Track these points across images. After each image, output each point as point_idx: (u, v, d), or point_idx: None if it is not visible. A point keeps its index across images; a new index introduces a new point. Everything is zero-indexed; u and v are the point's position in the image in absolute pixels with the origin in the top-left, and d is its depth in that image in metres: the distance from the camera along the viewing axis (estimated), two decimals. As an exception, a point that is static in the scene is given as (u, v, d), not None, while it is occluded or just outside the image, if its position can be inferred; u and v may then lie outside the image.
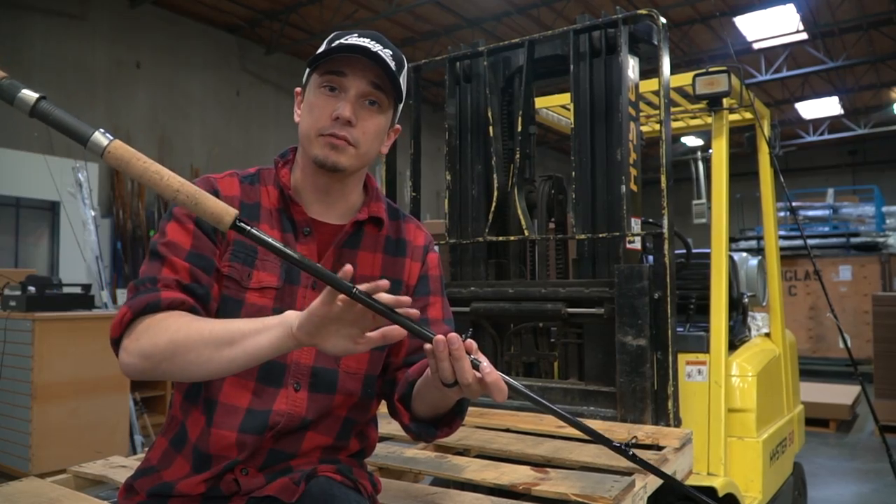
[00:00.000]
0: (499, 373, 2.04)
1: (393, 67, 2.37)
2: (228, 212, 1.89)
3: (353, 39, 2.38)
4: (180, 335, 2.10)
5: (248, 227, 1.91)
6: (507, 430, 4.05)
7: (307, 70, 2.47)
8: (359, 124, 2.36)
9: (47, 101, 1.80)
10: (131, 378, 2.26)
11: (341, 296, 1.89)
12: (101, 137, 1.83)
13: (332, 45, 2.39)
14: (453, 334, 2.02)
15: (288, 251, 1.93)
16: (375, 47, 2.36)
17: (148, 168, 1.84)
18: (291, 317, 2.01)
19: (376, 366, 2.57)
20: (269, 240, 1.92)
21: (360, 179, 2.58)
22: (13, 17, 15.15)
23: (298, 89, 2.55)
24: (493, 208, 4.87)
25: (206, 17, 19.45)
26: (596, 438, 2.21)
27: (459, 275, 5.05)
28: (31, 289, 8.12)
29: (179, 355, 2.09)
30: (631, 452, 2.28)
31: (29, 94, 1.79)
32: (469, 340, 2.06)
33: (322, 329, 1.96)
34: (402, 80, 2.47)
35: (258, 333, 2.04)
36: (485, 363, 2.03)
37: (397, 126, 2.61)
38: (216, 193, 2.41)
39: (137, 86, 17.57)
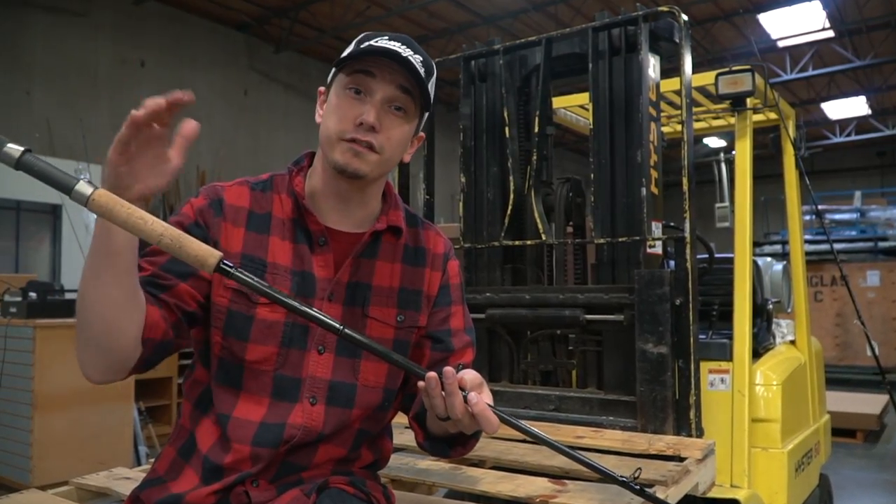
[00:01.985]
0: (487, 404, 2.08)
1: (422, 74, 2.37)
2: (213, 254, 1.92)
3: (384, 42, 2.37)
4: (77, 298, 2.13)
5: (232, 270, 1.94)
6: (524, 441, 4.04)
7: (333, 70, 2.46)
8: (383, 130, 2.35)
9: (31, 153, 1.85)
10: (94, 380, 2.25)
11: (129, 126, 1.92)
12: (85, 186, 1.87)
13: (361, 45, 2.39)
14: (448, 368, 2.06)
15: (275, 293, 1.98)
16: (406, 52, 2.35)
17: (132, 214, 1.87)
18: None
19: (395, 379, 2.58)
20: (254, 281, 1.96)
21: (380, 187, 2.57)
22: (13, 15, 15.13)
23: (322, 88, 2.53)
24: (509, 212, 4.88)
25: (214, 15, 19.42)
26: (599, 472, 2.24)
27: (475, 280, 5.06)
28: (32, 295, 8.14)
29: (79, 311, 2.11)
30: (637, 486, 2.28)
31: (14, 148, 1.84)
32: (466, 374, 2.11)
33: (127, 171, 1.97)
34: (431, 87, 2.47)
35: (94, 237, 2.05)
36: (472, 395, 2.06)
37: (421, 134, 2.61)
38: (221, 201, 2.44)
39: (142, 85, 17.45)
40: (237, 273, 1.93)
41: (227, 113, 19.64)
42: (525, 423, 2.13)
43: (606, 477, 2.21)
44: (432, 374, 2.06)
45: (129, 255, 2.06)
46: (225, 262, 1.92)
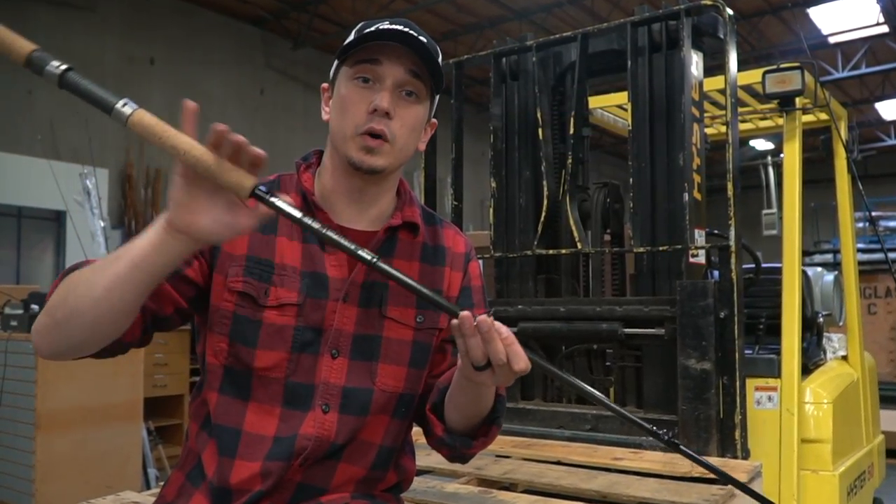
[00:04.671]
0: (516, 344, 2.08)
1: (431, 52, 2.38)
2: (248, 177, 1.92)
3: (385, 26, 2.38)
4: (75, 275, 2.10)
5: (267, 196, 1.93)
6: (558, 463, 4.05)
7: (335, 63, 2.48)
8: (397, 116, 2.36)
9: (75, 71, 1.94)
10: (42, 355, 2.20)
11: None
12: (126, 105, 1.92)
13: (363, 33, 2.39)
14: (482, 317, 2.02)
15: (308, 221, 1.96)
16: (411, 33, 2.37)
17: (168, 132, 1.93)
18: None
19: (415, 384, 2.55)
20: (288, 209, 1.95)
21: (395, 181, 2.58)
22: (14, 8, 15.06)
23: (325, 85, 2.55)
24: (542, 219, 4.88)
25: (228, 9, 19.44)
26: (631, 422, 2.24)
27: (506, 291, 5.06)
28: (35, 307, 8.08)
29: (71, 293, 2.04)
30: (669, 439, 2.27)
31: (57, 65, 1.94)
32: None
33: (193, 196, 1.92)
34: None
35: (140, 239, 1.99)
36: (503, 327, 2.05)
37: (433, 121, 2.62)
38: None
39: (151, 84, 17.55)
40: (271, 200, 1.93)
41: (242, 113, 19.64)
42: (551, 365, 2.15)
43: (638, 427, 2.21)
44: (466, 313, 2.03)
45: (160, 278, 2.05)
46: (260, 186, 1.93)
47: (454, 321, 2.05)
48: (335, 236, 1.99)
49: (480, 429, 2.47)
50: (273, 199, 1.94)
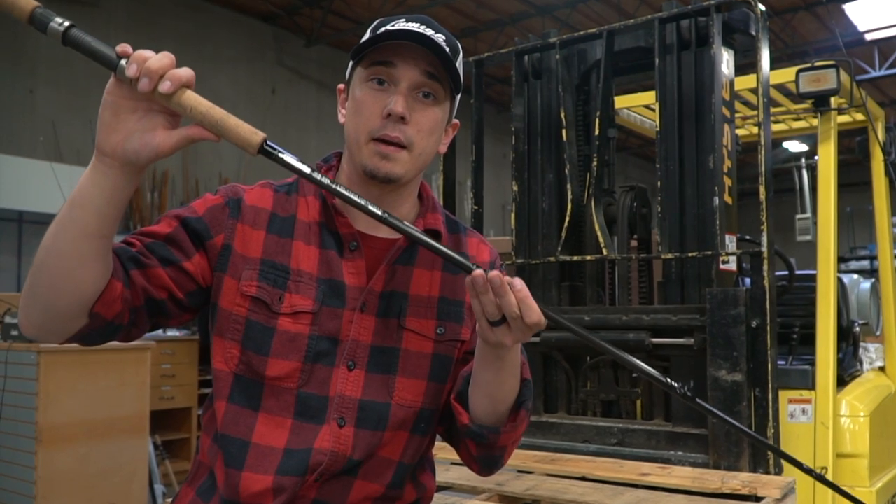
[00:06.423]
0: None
1: (447, 53, 2.35)
2: (257, 133, 1.99)
3: (401, 24, 2.37)
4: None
5: (275, 152, 2.00)
6: (583, 479, 4.04)
7: (350, 63, 2.47)
8: (413, 121, 2.35)
9: (77, 28, 2.03)
10: (24, 330, 2.19)
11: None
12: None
13: (378, 32, 2.38)
14: (494, 272, 2.05)
15: (317, 177, 2.04)
16: (427, 32, 2.35)
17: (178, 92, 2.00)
18: None
19: (436, 399, 2.53)
20: (297, 164, 2.04)
21: (415, 186, 2.57)
22: (14, 3, 15.02)
23: (341, 86, 2.54)
24: (566, 223, 4.88)
25: (238, 5, 19.33)
26: (655, 381, 2.28)
27: (528, 299, 5.00)
28: (37, 314, 8.08)
29: (40, 252, 2.09)
30: (686, 392, 2.29)
31: (60, 22, 2.03)
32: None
33: (120, 118, 1.99)
34: (459, 67, 2.45)
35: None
36: (517, 280, 2.08)
37: (455, 121, 2.60)
38: (240, 202, 2.45)
39: (158, 82, 17.31)
40: (279, 154, 2.00)
41: (253, 113, 19.43)
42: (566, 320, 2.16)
43: (656, 381, 2.23)
44: (479, 270, 2.05)
45: (109, 221, 2.09)
46: (269, 142, 1.99)
47: (468, 279, 2.07)
48: (345, 191, 2.06)
49: (508, 416, 2.44)
50: (282, 154, 2.03)
